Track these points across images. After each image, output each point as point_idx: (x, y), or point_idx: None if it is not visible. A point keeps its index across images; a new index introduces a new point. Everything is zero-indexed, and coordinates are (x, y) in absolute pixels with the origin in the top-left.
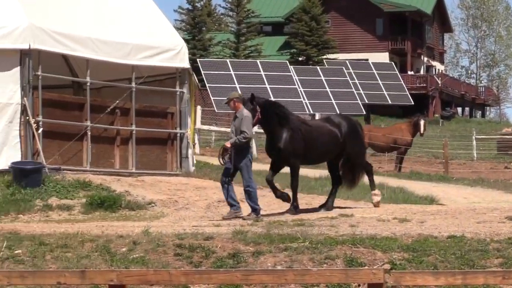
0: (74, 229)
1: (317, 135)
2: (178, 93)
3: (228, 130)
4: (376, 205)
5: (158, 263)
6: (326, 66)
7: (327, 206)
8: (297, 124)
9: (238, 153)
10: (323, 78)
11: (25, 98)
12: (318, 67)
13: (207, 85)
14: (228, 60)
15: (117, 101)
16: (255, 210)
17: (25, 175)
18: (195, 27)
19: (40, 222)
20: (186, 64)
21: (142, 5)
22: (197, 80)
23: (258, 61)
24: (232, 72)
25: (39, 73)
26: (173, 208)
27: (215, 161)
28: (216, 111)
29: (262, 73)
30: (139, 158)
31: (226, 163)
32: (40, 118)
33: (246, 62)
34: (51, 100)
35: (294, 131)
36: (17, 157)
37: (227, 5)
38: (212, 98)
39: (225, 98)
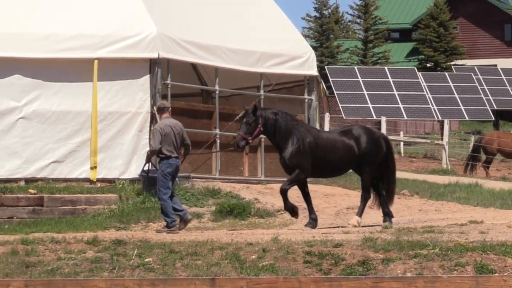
0: (204, 237)
1: (329, 148)
2: (306, 100)
3: None
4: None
5: (288, 270)
6: (455, 72)
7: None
8: (303, 136)
9: (160, 165)
10: (451, 84)
11: (154, 107)
12: (446, 73)
13: (335, 92)
14: (356, 67)
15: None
16: (166, 223)
17: (155, 183)
18: (322, 35)
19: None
20: (314, 71)
21: (269, 13)
22: (325, 87)
23: (386, 67)
24: (360, 79)
25: (168, 81)
26: (302, 216)
27: None
28: (344, 118)
29: (390, 79)
30: (267, 165)
31: (141, 175)
32: None
33: (374, 69)
34: (180, 108)
35: (300, 144)
36: (147, 166)
37: (354, 12)
38: (340, 105)
39: (354, 105)
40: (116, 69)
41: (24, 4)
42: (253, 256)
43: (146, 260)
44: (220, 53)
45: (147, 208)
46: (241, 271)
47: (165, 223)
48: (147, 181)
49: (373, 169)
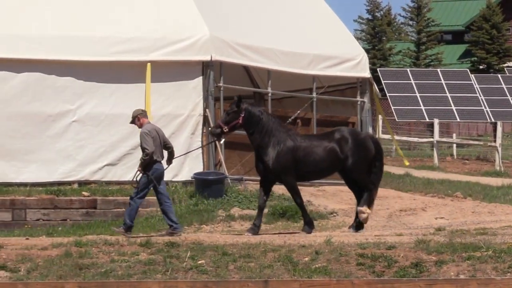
0: (256, 239)
1: (310, 151)
2: (359, 102)
3: (409, 139)
4: (364, 221)
5: (341, 272)
6: (507, 74)
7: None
8: (285, 138)
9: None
10: (504, 86)
11: (207, 110)
12: (499, 75)
13: (387, 94)
14: (408, 69)
15: (298, 111)
16: (125, 224)
17: (207, 186)
18: (375, 37)
19: (223, 232)
20: (366, 73)
21: (322, 15)
22: (377, 90)
23: (438, 69)
24: (412, 81)
25: (221, 84)
26: (348, 218)
27: (396, 170)
28: (397, 120)
29: (443, 81)
30: None
31: (133, 184)
32: None
33: (427, 71)
34: None
35: (282, 145)
36: (199, 168)
37: (407, 14)
38: (392, 107)
39: (406, 107)
40: (169, 71)
41: (78, 8)
42: (306, 258)
43: (199, 262)
44: (272, 55)
45: (199, 211)
46: (294, 273)
47: (123, 224)
48: (200, 183)
49: (362, 170)
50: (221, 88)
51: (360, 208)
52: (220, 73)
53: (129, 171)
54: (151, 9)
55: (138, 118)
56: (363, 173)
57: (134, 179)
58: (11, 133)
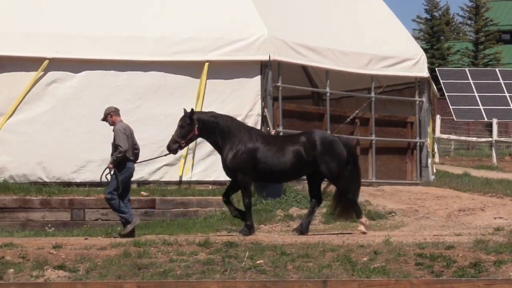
0: (315, 239)
1: (273, 153)
2: (417, 102)
3: (468, 139)
4: (362, 231)
5: (399, 272)
6: None
7: (301, 228)
8: (245, 138)
9: (117, 168)
10: None
11: (265, 109)
12: None
13: (445, 94)
14: (466, 69)
15: (357, 111)
16: (125, 220)
17: (266, 186)
18: (433, 36)
19: (281, 232)
20: (425, 73)
21: (380, 14)
22: (436, 89)
23: (497, 69)
24: (470, 81)
25: (279, 84)
26: (413, 218)
27: (454, 170)
28: (455, 120)
29: (501, 81)
30: (378, 167)
31: (102, 182)
32: (280, 128)
33: (485, 71)
34: (291, 110)
35: (241, 147)
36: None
37: (465, 14)
38: (451, 107)
39: (465, 107)
40: (227, 71)
41: (137, 8)
42: (365, 258)
43: (258, 262)
44: (331, 55)
45: (258, 210)
46: (353, 273)
47: (124, 221)
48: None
49: (339, 175)
50: (280, 88)
51: (360, 220)
52: (278, 72)
53: (188, 171)
54: (209, 9)
55: (110, 115)
56: (341, 179)
57: (104, 177)
58: (70, 132)
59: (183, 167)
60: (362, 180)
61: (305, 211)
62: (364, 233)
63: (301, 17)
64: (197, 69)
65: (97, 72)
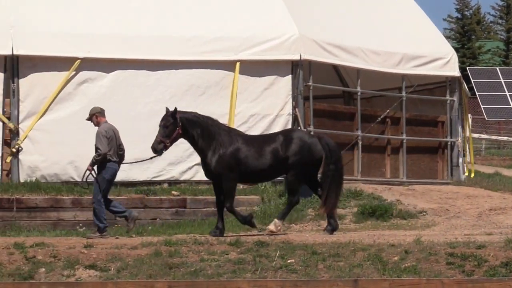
0: (346, 238)
1: (253, 153)
2: (448, 101)
3: (499, 138)
4: (270, 230)
5: (430, 272)
6: None
7: (332, 226)
8: (226, 140)
9: (98, 169)
10: None
11: (296, 109)
12: None
13: (476, 93)
14: (497, 68)
15: (387, 111)
16: (98, 227)
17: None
18: (464, 36)
19: (312, 232)
20: (456, 72)
21: (411, 14)
22: (467, 89)
23: None
24: (502, 80)
25: (310, 83)
26: (444, 217)
27: (485, 169)
28: (486, 119)
29: None
30: (409, 167)
31: (83, 184)
32: (311, 128)
33: None
34: (322, 110)
35: (223, 149)
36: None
37: (496, 13)
38: (482, 106)
39: (496, 106)
40: (258, 71)
41: (167, 7)
42: (395, 258)
43: (289, 261)
44: (361, 54)
45: None
46: (384, 272)
47: (97, 227)
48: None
49: (299, 173)
50: (310, 87)
51: (268, 227)
52: (309, 72)
53: None
54: (240, 8)
55: (95, 116)
56: (296, 178)
57: (84, 179)
58: None
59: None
60: (393, 180)
61: (336, 210)
62: (272, 232)
63: (331, 16)
64: (228, 69)
65: (129, 71)
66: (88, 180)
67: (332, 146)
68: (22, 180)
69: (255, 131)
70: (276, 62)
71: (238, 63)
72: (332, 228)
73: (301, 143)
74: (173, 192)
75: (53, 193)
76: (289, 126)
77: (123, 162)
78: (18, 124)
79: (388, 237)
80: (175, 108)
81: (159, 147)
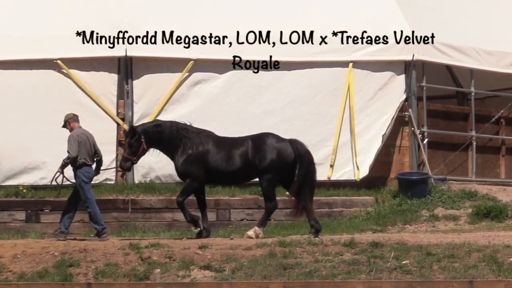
0: (460, 239)
1: (223, 155)
2: None
3: None
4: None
5: None
6: None
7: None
8: (195, 144)
9: (74, 174)
10: None
11: (409, 109)
12: None
13: None
14: None
15: (502, 111)
16: (97, 231)
17: (411, 186)
18: None
19: (427, 233)
20: None
21: None
22: None
23: None
24: None
25: (423, 84)
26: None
27: None
28: None
29: None
30: None
31: (58, 185)
32: (425, 129)
33: None
34: (435, 110)
35: (190, 152)
36: (404, 168)
37: None
38: None
39: None
40: (371, 71)
41: (279, 7)
42: (511, 259)
43: (403, 262)
44: (475, 54)
45: (403, 211)
46: (499, 273)
47: (95, 232)
48: (404, 183)
49: (271, 179)
50: (424, 88)
51: (247, 232)
52: (423, 72)
53: (337, 170)
54: (352, 9)
55: (69, 122)
56: (269, 184)
57: (54, 181)
58: (217, 133)
59: (332, 166)
60: (508, 180)
61: (451, 211)
62: (250, 237)
63: (443, 16)
64: (341, 69)
65: (242, 72)
66: (59, 183)
67: (302, 150)
68: (136, 181)
69: (369, 132)
70: (388, 63)
71: (351, 64)
72: (316, 230)
73: (269, 147)
74: (287, 193)
75: (168, 194)
76: (404, 127)
77: (102, 168)
78: None
79: (503, 238)
80: (131, 126)
81: (126, 166)
